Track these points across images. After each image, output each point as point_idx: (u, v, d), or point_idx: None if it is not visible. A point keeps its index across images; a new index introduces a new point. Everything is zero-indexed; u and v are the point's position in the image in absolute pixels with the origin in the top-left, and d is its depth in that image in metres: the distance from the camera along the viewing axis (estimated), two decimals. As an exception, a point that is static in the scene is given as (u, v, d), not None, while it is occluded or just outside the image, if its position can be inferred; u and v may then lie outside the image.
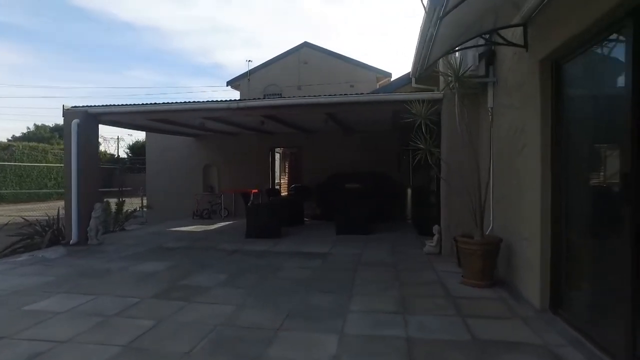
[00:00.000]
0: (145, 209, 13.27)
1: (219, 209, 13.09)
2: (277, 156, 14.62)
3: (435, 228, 7.14)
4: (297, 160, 16.73)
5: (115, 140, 41.43)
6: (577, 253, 3.82)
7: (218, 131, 12.18)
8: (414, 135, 5.59)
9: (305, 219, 12.18)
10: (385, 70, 21.31)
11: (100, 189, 15.60)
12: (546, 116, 4.09)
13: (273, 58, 23.01)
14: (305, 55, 22.17)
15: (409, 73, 13.16)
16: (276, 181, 14.28)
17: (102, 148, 41.48)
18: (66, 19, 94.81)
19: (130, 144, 40.25)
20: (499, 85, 5.69)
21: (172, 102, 7.82)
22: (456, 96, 5.17)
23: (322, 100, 7.31)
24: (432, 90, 7.48)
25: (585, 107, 3.81)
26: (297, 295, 4.75)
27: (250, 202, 9.13)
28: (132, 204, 16.30)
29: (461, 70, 5.26)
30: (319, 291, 4.90)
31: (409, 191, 11.60)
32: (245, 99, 7.52)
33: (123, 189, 21.34)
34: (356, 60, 21.80)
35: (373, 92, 11.50)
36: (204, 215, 12.91)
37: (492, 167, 5.74)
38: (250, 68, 23.05)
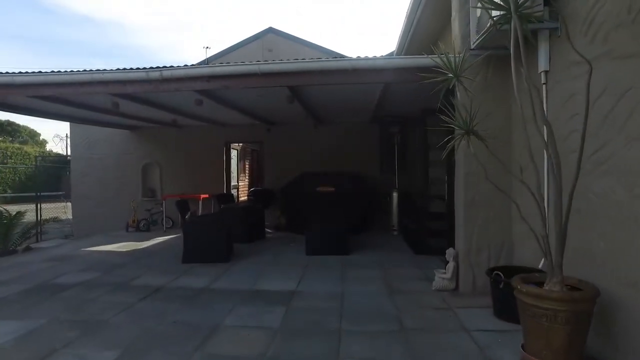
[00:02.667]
0: (52, 221, 10.49)
1: (160, 219, 10.53)
2: (235, 153, 12.21)
3: (450, 252, 4.98)
4: (259, 158, 14.36)
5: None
6: None
7: (158, 121, 9.67)
8: (442, 103, 3.33)
9: (267, 230, 9.85)
10: (358, 58, 19.22)
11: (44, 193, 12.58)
12: None
13: (235, 45, 20.40)
14: (270, 42, 19.74)
15: (391, 53, 11.10)
16: (233, 183, 11.87)
17: (54, 148, 37.45)
18: (16, 7, 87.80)
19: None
20: (564, 33, 3.56)
21: (64, 72, 5.31)
22: (513, 42, 2.97)
23: (282, 67, 5.00)
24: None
25: None
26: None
27: (189, 214, 6.75)
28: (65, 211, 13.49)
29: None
30: (276, 402, 2.59)
31: (395, 195, 9.47)
32: (171, 66, 5.11)
33: (58, 193, 18.24)
34: (324, 48, 19.59)
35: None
36: (142, 227, 10.32)
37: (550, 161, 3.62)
38: (208, 56, 20.41)
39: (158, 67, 5.16)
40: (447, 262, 5.01)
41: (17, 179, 24.82)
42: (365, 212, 9.46)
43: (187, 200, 7.58)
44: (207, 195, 10.39)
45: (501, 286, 3.81)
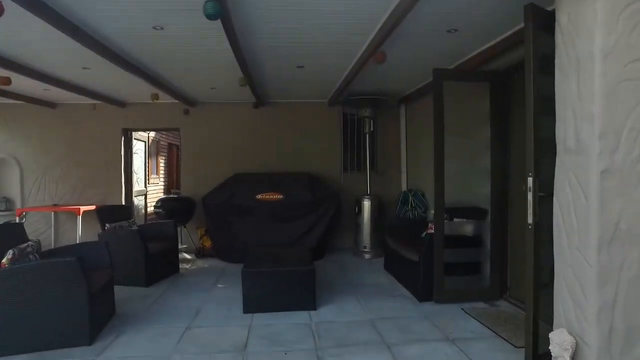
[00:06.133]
0: None
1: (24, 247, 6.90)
2: (141, 146, 8.83)
3: (560, 340, 2.33)
4: (177, 154, 11.02)
5: None
6: None
7: (19, 95, 6.10)
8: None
9: (186, 256, 6.73)
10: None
11: None
12: None
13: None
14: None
15: None
16: (138, 189, 8.47)
17: None
18: None
19: None
20: None
21: None
22: None
23: None
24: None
25: None
26: None
27: (17, 250, 3.50)
28: None
29: None
30: None
31: (367, 204, 6.81)
32: None
33: None
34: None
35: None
36: (-17, 257, 6.63)
37: None
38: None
39: None
40: (553, 347, 2.37)
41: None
42: (326, 229, 6.67)
43: (19, 224, 4.26)
44: (92, 207, 6.99)
45: None
